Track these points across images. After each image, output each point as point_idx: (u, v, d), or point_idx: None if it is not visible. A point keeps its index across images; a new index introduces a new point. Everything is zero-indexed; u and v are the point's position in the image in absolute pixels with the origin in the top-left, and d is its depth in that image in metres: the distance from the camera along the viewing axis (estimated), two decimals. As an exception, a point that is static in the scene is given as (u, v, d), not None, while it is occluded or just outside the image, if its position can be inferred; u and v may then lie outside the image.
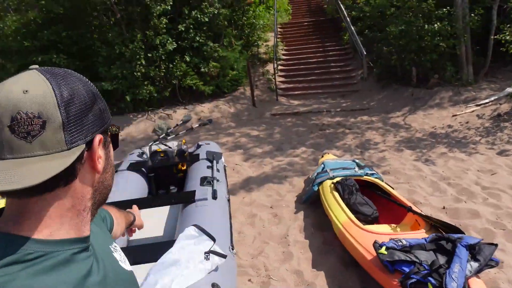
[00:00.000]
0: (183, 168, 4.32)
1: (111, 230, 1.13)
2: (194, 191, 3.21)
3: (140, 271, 2.59)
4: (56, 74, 0.66)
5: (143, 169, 4.24)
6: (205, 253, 2.14)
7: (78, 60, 9.47)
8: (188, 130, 7.92)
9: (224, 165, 4.16)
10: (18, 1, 9.48)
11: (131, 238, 3.35)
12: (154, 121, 8.67)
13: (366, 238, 2.84)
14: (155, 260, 2.21)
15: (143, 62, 8.57)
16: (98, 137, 0.70)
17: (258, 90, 10.12)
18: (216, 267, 2.15)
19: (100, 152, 0.71)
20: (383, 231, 2.95)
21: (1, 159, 0.60)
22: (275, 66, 10.32)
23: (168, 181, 4.31)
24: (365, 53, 9.56)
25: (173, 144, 4.53)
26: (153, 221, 3.59)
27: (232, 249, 2.56)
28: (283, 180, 4.88)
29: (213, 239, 2.25)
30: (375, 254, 2.60)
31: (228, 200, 3.32)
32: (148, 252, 2.48)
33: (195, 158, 4.16)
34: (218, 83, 9.55)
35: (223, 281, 2.13)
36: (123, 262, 0.84)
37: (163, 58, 8.84)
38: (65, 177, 0.65)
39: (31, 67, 0.68)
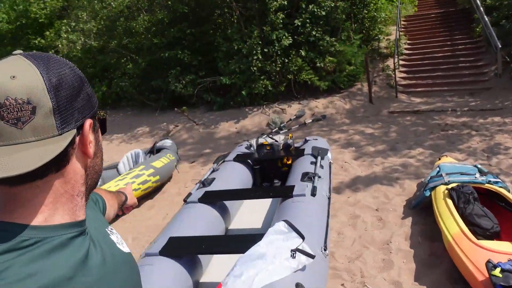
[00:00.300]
0: (288, 162, 4.30)
1: (104, 213, 1.13)
2: (293, 186, 3.15)
3: (232, 261, 2.63)
4: (42, 58, 0.65)
5: (249, 161, 4.32)
6: (292, 250, 2.07)
7: (200, 56, 10.04)
8: (301, 125, 7.88)
9: (330, 162, 4.02)
10: (149, 3, 10.35)
11: (230, 226, 3.46)
12: (269, 115, 8.80)
13: (479, 255, 2.49)
14: (244, 252, 2.20)
15: (260, 57, 8.75)
16: (89, 122, 0.69)
17: (376, 86, 9.67)
18: (303, 266, 2.07)
19: (90, 136, 0.70)
20: (502, 250, 2.56)
21: None
22: (396, 61, 9.75)
23: (272, 174, 4.33)
24: (500, 46, 8.52)
25: (280, 138, 4.53)
26: (254, 213, 3.64)
27: (325, 250, 2.44)
28: (393, 182, 4.57)
29: (302, 237, 2.16)
30: (487, 275, 2.27)
31: (329, 198, 3.19)
32: (242, 242, 2.49)
33: (300, 153, 4.10)
34: (334, 78, 9.34)
35: (310, 282, 2.03)
36: (120, 244, 0.83)
37: (279, 53, 8.92)
38: (57, 163, 0.64)
39: (15, 52, 0.66)
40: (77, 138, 0.67)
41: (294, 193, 3.00)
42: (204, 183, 3.65)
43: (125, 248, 0.84)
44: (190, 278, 2.46)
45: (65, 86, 0.64)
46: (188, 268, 2.49)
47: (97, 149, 0.75)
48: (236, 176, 3.92)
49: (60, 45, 11.09)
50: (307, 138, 4.63)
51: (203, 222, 2.98)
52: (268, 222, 3.38)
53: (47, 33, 12.95)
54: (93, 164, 0.74)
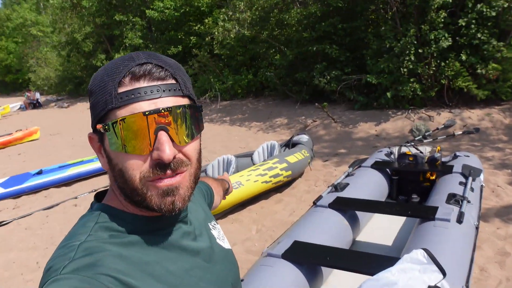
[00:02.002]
0: (431, 178, 3.90)
1: (212, 203, 1.17)
2: (437, 207, 2.80)
3: (357, 280, 2.44)
4: None
5: (387, 169, 4.02)
6: (429, 287, 1.80)
7: (348, 52, 9.76)
8: (449, 136, 7.18)
9: (482, 185, 3.52)
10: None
11: (357, 238, 3.24)
12: (413, 121, 8.18)
13: None
14: (372, 274, 2.00)
15: (412, 58, 8.13)
16: (88, 136, 0.74)
17: (549, 102, 8.30)
18: (439, 307, 1.79)
19: (95, 145, 0.74)
20: None
21: None
22: None
23: (411, 188, 3.97)
24: None
25: (425, 150, 4.12)
26: (385, 228, 3.36)
27: (467, 290, 2.10)
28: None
29: (443, 273, 1.87)
30: None
31: (477, 228, 2.77)
32: (370, 262, 2.29)
33: (447, 169, 3.66)
34: (495, 88, 8.24)
35: (446, 327, 1.76)
36: (221, 239, 0.86)
37: (435, 55, 8.18)
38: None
39: None
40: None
41: (437, 216, 2.66)
42: (337, 187, 3.48)
43: (225, 244, 0.87)
44: (309, 287, 2.35)
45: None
46: (309, 277, 2.38)
47: (110, 163, 0.71)
48: (371, 184, 3.67)
49: (216, 33, 11.78)
50: (457, 153, 4.12)
51: (331, 230, 2.83)
52: (401, 243, 3.07)
53: (206, 20, 13.90)
54: (115, 174, 0.71)
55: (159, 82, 0.66)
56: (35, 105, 22.10)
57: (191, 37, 15.32)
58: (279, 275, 2.28)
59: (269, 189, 4.94)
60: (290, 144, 6.02)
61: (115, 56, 18.05)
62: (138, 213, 0.72)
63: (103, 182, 6.56)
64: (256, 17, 11.14)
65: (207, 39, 13.96)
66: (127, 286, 0.60)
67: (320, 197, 3.31)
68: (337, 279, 2.68)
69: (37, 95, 22.58)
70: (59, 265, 0.58)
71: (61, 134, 12.37)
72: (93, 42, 19.75)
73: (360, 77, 9.15)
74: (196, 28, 14.59)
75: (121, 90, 0.65)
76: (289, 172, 5.02)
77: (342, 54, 9.67)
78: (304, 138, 6.07)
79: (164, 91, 0.66)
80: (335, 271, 2.70)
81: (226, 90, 13.37)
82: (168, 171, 0.66)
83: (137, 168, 0.67)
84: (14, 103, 23.04)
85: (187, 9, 15.21)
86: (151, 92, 0.65)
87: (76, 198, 5.90)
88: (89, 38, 19.62)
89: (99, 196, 0.79)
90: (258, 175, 4.69)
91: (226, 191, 1.45)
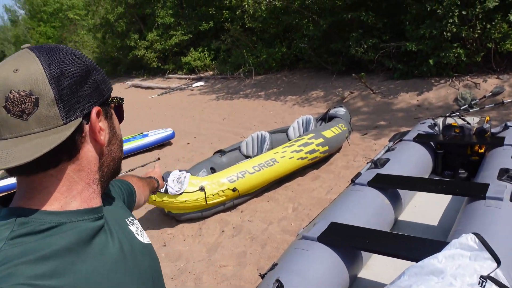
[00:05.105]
0: (480, 151, 3.62)
1: (134, 201, 1.15)
2: (487, 184, 2.57)
3: (399, 266, 2.28)
4: (46, 50, 0.66)
5: (431, 143, 3.77)
6: (481, 277, 1.62)
7: (385, 18, 9.27)
8: (497, 105, 6.72)
9: (537, 157, 3.22)
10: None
11: (399, 218, 3.05)
12: (458, 89, 7.72)
13: None
14: (416, 259, 1.84)
15: (456, 21, 7.60)
16: (96, 109, 0.69)
17: None
18: (493, 300, 1.61)
19: (101, 124, 0.71)
20: None
21: (1, 139, 0.61)
22: None
23: (458, 163, 3.71)
24: None
25: (473, 120, 3.83)
26: (430, 208, 3.14)
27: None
28: None
29: (498, 261, 1.68)
30: None
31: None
32: (412, 246, 2.12)
33: (498, 141, 3.37)
34: (549, 49, 7.63)
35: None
36: (140, 234, 0.84)
37: (480, 16, 7.61)
38: (67, 151, 0.66)
39: (23, 46, 0.68)
40: (87, 126, 0.69)
41: (488, 194, 2.43)
42: (377, 163, 3.29)
43: (144, 239, 0.85)
44: (347, 272, 2.21)
45: (67, 75, 0.65)
46: (347, 261, 2.24)
47: (112, 136, 0.76)
48: (414, 159, 3.45)
49: (246, 5, 11.50)
50: (508, 123, 3.80)
51: (371, 210, 2.66)
52: (448, 224, 2.86)
53: (237, -7, 13.59)
54: (108, 151, 0.75)
55: None
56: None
57: (223, 11, 15.07)
58: (315, 259, 2.16)
59: (305, 165, 4.78)
60: (326, 118, 5.80)
61: (148, 36, 18.17)
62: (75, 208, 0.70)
63: (140, 161, 6.60)
64: (287, -14, 10.76)
65: (238, 12, 13.67)
66: None
67: (358, 174, 3.13)
68: (377, 264, 2.52)
69: (76, 77, 23.13)
70: None
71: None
72: (126, 23, 19.82)
73: (399, 45, 8.69)
74: (227, 1, 14.33)
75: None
76: (326, 148, 4.84)
77: (379, 21, 9.19)
78: (341, 111, 5.82)
79: None
80: (375, 255, 2.55)
81: (260, 64, 13.12)
82: None
83: None
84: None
85: (217, -18, 14.94)
86: None
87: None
88: (122, 19, 19.70)
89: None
90: (293, 151, 4.54)
91: (156, 190, 1.47)
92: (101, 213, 0.74)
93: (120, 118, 0.83)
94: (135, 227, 0.86)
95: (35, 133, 0.61)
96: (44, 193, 0.66)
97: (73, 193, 0.69)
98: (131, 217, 0.89)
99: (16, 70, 0.61)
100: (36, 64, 0.62)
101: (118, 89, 19.05)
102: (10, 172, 0.65)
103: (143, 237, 0.86)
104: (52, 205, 0.66)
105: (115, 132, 0.78)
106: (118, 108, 0.82)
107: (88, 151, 0.70)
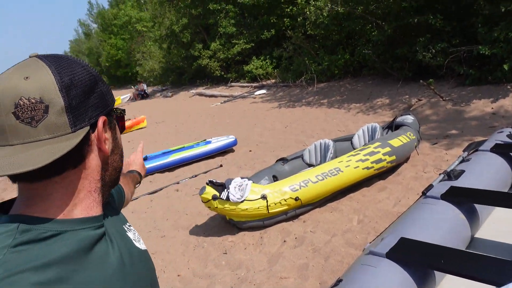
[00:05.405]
0: None
1: (123, 202, 1.16)
2: None
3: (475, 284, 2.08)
4: (55, 59, 0.67)
5: (511, 153, 3.48)
6: None
7: (454, 21, 8.81)
8: None
9: None
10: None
11: (475, 235, 2.82)
12: (538, 94, 7.15)
13: None
14: (498, 284, 1.67)
15: (537, 22, 7.06)
16: (102, 119, 0.71)
17: None
18: None
19: (106, 134, 0.73)
20: None
21: (9, 145, 0.61)
22: None
23: (542, 175, 3.39)
24: None
25: (560, 129, 3.50)
26: (510, 225, 2.88)
27: None
28: None
29: None
30: None
31: None
32: (492, 267, 1.93)
33: None
34: None
35: None
36: (137, 241, 0.85)
37: None
38: (74, 160, 0.67)
39: (31, 54, 0.69)
40: (92, 135, 0.70)
41: None
42: (450, 175, 3.08)
43: (141, 246, 0.86)
44: (418, 292, 2.06)
45: (77, 85, 0.66)
46: (418, 281, 2.09)
47: (115, 146, 0.78)
48: (492, 171, 3.18)
49: (308, 13, 11.43)
50: None
51: (445, 226, 2.48)
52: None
53: (299, 1, 13.55)
54: (110, 161, 0.77)
55: None
56: (143, 95, 23.70)
57: (285, 19, 15.09)
58: (383, 277, 2.03)
59: (371, 175, 4.61)
60: (393, 126, 5.58)
61: (211, 45, 18.62)
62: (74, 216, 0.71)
63: (203, 167, 6.72)
64: (350, -9, 10.56)
65: (299, 19, 13.63)
66: None
67: (430, 186, 2.94)
68: (452, 286, 2.33)
69: (144, 86, 24.21)
70: None
71: (166, 122, 13.02)
72: (190, 33, 20.47)
73: (471, 49, 8.20)
74: (288, 9, 14.32)
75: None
76: (393, 157, 4.63)
77: (448, 24, 8.74)
78: (409, 119, 5.57)
79: None
80: (449, 276, 2.36)
81: (322, 72, 12.97)
82: None
83: None
84: (124, 95, 25.04)
85: (277, -9, 15.00)
86: None
87: (178, 183, 6.11)
88: (187, 29, 20.36)
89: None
90: (359, 160, 4.39)
91: (139, 182, 1.45)
92: (102, 222, 0.74)
93: (121, 129, 0.85)
94: (133, 234, 0.87)
95: (44, 139, 0.62)
96: (47, 201, 0.67)
97: (75, 201, 0.69)
98: (127, 223, 0.91)
99: (27, 78, 0.62)
100: (47, 72, 0.63)
101: (183, 98, 19.63)
102: (14, 178, 0.65)
103: (140, 243, 0.87)
104: (55, 213, 0.67)
105: (117, 142, 0.80)
106: (119, 119, 0.84)
107: (92, 160, 0.71)
